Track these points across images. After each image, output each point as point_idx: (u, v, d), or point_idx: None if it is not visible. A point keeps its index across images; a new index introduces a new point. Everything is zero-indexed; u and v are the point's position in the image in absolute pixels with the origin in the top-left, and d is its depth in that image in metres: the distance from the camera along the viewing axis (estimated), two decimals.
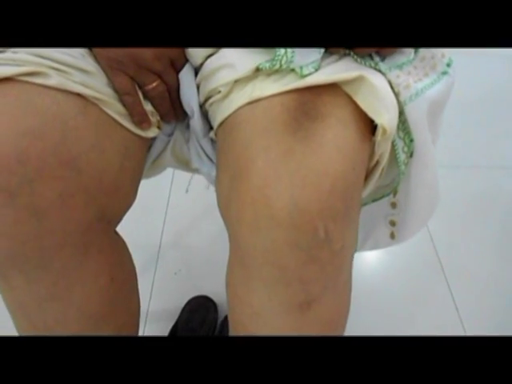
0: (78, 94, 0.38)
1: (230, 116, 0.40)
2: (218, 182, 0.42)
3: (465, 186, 1.11)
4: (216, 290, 0.86)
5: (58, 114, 0.36)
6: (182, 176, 0.68)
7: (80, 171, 0.37)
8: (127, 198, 0.44)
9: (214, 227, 0.97)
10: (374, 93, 0.36)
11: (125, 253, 0.47)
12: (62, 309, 0.41)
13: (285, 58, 0.36)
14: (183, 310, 0.82)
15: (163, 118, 0.45)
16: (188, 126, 0.48)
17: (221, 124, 0.42)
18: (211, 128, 0.47)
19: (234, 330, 0.44)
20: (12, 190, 0.34)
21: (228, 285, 0.43)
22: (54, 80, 0.36)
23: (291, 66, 0.37)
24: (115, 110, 0.40)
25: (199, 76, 0.43)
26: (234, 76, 0.39)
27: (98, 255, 0.41)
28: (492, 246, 0.99)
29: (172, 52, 0.41)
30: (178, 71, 0.42)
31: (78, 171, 0.37)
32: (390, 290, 0.91)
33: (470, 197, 1.09)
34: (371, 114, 0.36)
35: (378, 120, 0.36)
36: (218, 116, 0.42)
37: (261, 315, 0.40)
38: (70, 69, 0.37)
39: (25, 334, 0.43)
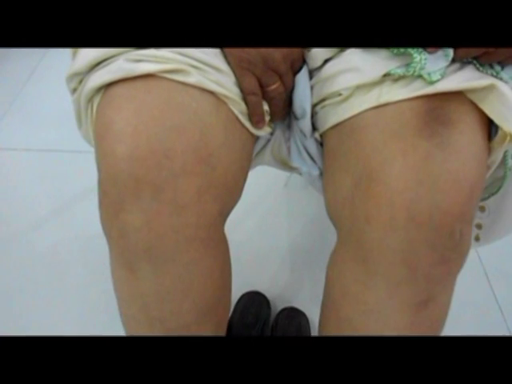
0: (211, 92, 0.39)
1: (349, 119, 0.41)
2: (332, 182, 0.43)
3: None
4: (266, 285, 0.88)
5: (197, 112, 0.37)
6: None
7: (213, 167, 0.38)
8: (240, 194, 0.45)
9: (261, 223, 0.98)
10: (503, 101, 0.37)
11: (228, 248, 0.48)
12: (180, 301, 0.42)
13: (419, 65, 0.38)
14: (237, 305, 0.83)
15: (273, 117, 0.46)
16: (289, 126, 0.49)
17: (334, 126, 0.43)
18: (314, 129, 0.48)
19: (337, 327, 0.45)
20: (158, 184, 0.35)
21: (335, 281, 0.44)
22: (193, 78, 0.37)
23: (422, 73, 0.38)
24: (239, 108, 0.41)
25: (315, 78, 0.44)
26: (359, 80, 0.40)
27: (215, 249, 0.42)
28: None
29: (295, 54, 0.42)
30: (294, 73, 0.43)
31: (211, 167, 0.38)
32: None
33: None
34: (499, 122, 0.38)
35: (506, 128, 0.37)
36: (332, 118, 0.43)
37: (374, 312, 0.41)
38: (207, 67, 0.38)
39: (134, 324, 0.44)
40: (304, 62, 0.44)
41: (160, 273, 0.39)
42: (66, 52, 0.45)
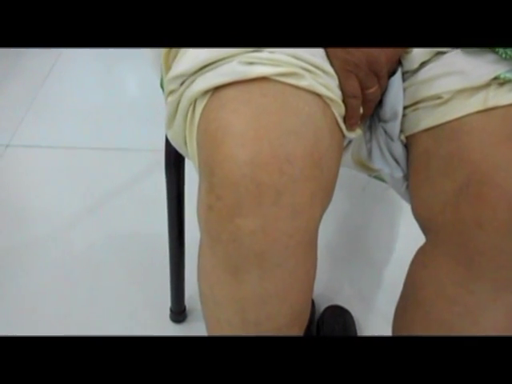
0: (318, 95, 0.38)
1: (448, 122, 0.41)
2: (426, 186, 0.43)
3: None
4: None
5: (310, 115, 0.37)
6: None
7: (322, 171, 0.38)
8: (332, 196, 0.45)
9: None
10: None
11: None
12: (279, 305, 0.41)
13: None
14: None
15: (361, 119, 0.46)
16: (370, 127, 0.49)
17: (429, 129, 0.43)
18: None
19: (426, 328, 0.45)
20: (279, 188, 0.35)
21: (427, 283, 0.44)
22: (306, 81, 0.37)
23: None
24: (339, 111, 0.41)
25: (409, 81, 0.44)
26: (465, 83, 0.40)
27: (314, 252, 0.42)
28: None
29: (396, 56, 0.42)
30: (390, 75, 0.43)
31: (321, 171, 0.38)
32: None
33: None
34: None
35: None
36: (426, 121, 0.43)
37: (473, 315, 0.41)
38: (318, 70, 0.38)
39: (226, 327, 0.44)
40: (399, 64, 0.44)
41: (266, 277, 0.39)
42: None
